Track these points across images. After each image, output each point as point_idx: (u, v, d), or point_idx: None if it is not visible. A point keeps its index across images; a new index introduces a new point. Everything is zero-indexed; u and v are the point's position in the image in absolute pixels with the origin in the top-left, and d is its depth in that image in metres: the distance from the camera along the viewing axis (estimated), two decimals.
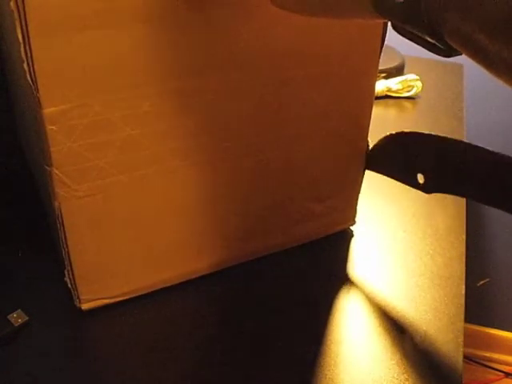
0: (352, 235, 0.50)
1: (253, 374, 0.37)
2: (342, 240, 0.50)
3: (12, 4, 0.29)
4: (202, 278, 0.44)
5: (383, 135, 0.46)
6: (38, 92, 0.32)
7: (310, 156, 0.45)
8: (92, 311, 0.41)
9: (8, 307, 0.40)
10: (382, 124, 0.69)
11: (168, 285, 0.43)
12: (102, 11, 0.31)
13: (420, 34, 0.25)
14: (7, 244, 0.48)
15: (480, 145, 0.38)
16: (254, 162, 0.42)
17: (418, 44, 0.27)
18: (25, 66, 0.31)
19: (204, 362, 0.38)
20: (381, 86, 0.76)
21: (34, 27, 0.30)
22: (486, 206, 0.37)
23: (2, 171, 0.55)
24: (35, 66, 0.31)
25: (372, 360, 0.38)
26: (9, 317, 0.39)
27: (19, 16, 0.29)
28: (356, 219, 0.51)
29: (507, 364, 1.27)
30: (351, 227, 0.51)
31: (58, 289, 0.43)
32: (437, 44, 0.24)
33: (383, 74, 0.78)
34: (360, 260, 0.48)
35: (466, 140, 0.40)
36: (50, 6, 0.30)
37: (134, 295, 0.42)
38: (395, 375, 0.37)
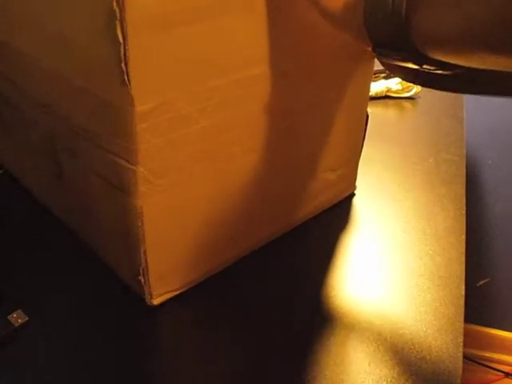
0: (353, 233, 0.51)
1: (252, 374, 0.37)
2: (341, 236, 0.50)
3: (114, 4, 0.29)
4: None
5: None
6: (132, 91, 0.32)
7: (327, 131, 0.48)
8: (90, 310, 0.41)
9: (8, 307, 0.40)
10: (382, 124, 0.69)
11: (227, 265, 0.45)
12: (188, 8, 0.32)
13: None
14: (7, 244, 0.48)
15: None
16: (290, 142, 0.45)
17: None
18: (122, 65, 0.31)
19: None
20: (381, 86, 0.76)
21: (132, 27, 0.30)
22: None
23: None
24: (131, 66, 0.31)
25: (372, 360, 0.38)
26: (9, 317, 0.39)
27: (120, 16, 0.29)
28: (356, 220, 0.51)
29: (507, 364, 1.27)
30: (351, 230, 0.51)
31: (58, 289, 0.43)
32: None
33: (383, 74, 0.78)
34: (360, 261, 0.48)
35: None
36: (148, 5, 0.30)
37: (197, 282, 0.43)
38: (395, 375, 0.37)
